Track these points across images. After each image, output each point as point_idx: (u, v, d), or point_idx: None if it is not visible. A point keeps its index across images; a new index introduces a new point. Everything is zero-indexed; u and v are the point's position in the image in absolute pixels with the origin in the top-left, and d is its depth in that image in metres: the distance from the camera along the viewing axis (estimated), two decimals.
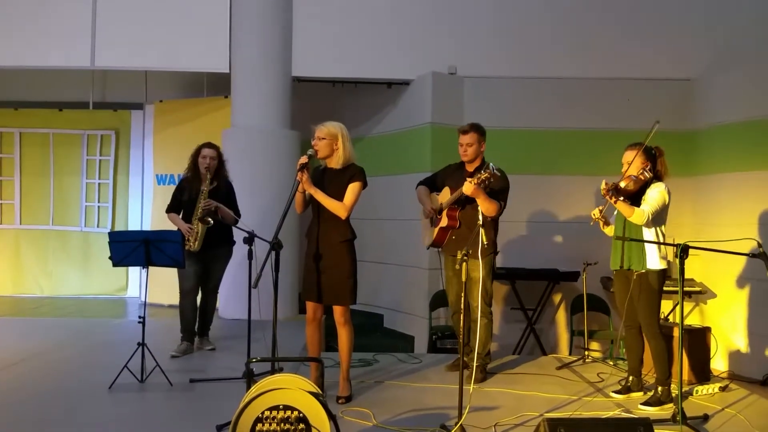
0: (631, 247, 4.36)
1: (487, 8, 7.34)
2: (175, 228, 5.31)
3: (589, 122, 7.08)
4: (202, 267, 5.44)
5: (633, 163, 4.36)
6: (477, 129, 4.85)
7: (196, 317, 5.55)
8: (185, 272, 5.30)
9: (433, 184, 5.18)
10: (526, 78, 7.16)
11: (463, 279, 3.72)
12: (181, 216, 5.43)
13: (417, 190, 5.21)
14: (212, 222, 5.19)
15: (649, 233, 4.31)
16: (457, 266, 3.64)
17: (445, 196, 4.95)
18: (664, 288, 4.41)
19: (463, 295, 3.87)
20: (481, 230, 4.13)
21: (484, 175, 4.34)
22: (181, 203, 5.45)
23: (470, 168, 4.90)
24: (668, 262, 4.34)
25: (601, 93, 7.09)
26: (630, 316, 4.52)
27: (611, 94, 7.08)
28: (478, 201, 4.48)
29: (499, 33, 7.30)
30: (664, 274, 4.33)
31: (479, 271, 4.70)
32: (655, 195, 4.30)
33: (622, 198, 4.18)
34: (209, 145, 5.50)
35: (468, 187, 4.43)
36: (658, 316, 4.38)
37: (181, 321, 5.48)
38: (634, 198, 4.32)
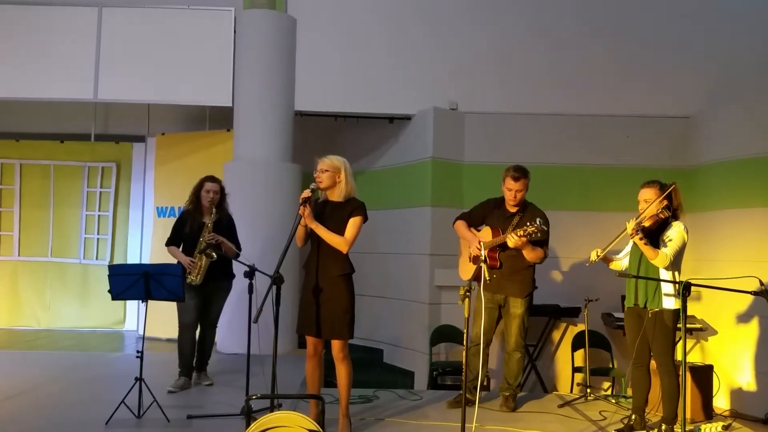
0: (647, 285, 4.33)
1: (488, 45, 7.43)
2: (174, 261, 5.29)
3: (589, 158, 7.13)
4: (202, 300, 5.40)
5: (652, 202, 4.34)
6: (526, 175, 4.89)
7: (194, 352, 5.49)
8: (185, 306, 5.25)
9: (472, 219, 5.17)
10: (526, 114, 7.23)
11: (466, 314, 3.71)
12: (180, 249, 5.42)
13: (456, 225, 5.17)
14: (216, 256, 5.16)
15: (666, 274, 4.29)
16: (460, 302, 3.63)
17: (486, 235, 4.95)
18: None
19: (466, 331, 3.84)
20: (483, 266, 4.15)
21: (530, 228, 4.45)
22: (181, 236, 5.43)
23: (513, 209, 4.95)
24: None
25: (601, 130, 7.15)
26: (640, 354, 4.47)
27: (611, 130, 7.14)
28: (522, 251, 4.65)
29: (499, 70, 7.39)
30: (678, 313, 4.29)
31: (520, 308, 4.95)
32: (674, 235, 4.29)
33: (647, 240, 4.18)
34: (212, 178, 5.51)
35: (512, 241, 4.61)
36: (673, 354, 4.35)
37: (179, 356, 5.41)
38: (651, 236, 4.29)
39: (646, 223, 4.23)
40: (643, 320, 4.37)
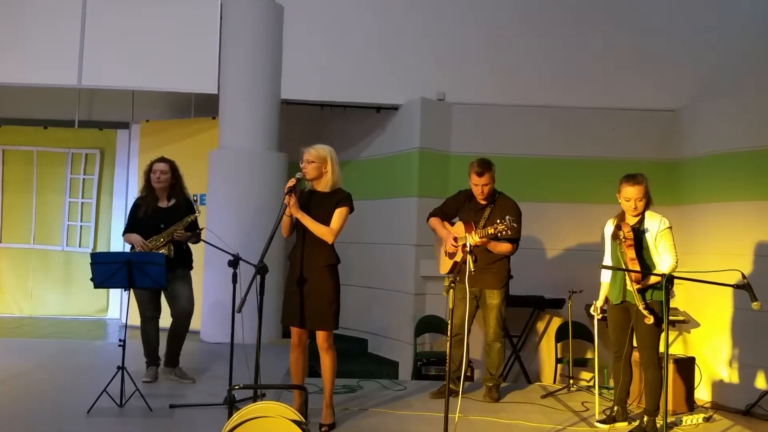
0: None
1: (477, 36, 7.41)
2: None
3: (575, 150, 7.14)
4: (163, 291, 5.10)
5: (643, 200, 4.30)
6: (490, 168, 4.85)
7: (158, 341, 5.23)
8: (142, 299, 5.07)
9: (444, 213, 5.17)
10: (513, 106, 7.23)
11: (450, 306, 3.72)
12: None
13: (430, 222, 5.17)
14: (173, 255, 4.98)
15: (664, 265, 4.26)
16: (444, 293, 3.63)
17: (459, 229, 4.94)
18: None
19: (450, 322, 3.85)
20: (468, 257, 4.15)
21: (500, 227, 4.36)
22: (136, 223, 5.10)
23: (483, 202, 4.95)
24: None
25: (588, 122, 7.16)
26: (621, 347, 4.49)
27: (597, 123, 7.16)
28: (488, 246, 4.64)
29: (487, 61, 7.37)
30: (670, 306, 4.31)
31: (496, 299, 4.95)
32: (667, 240, 4.27)
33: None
34: (161, 159, 5.21)
35: (474, 241, 4.56)
36: (658, 346, 4.36)
37: (144, 345, 5.21)
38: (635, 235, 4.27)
39: (634, 266, 4.20)
40: (629, 314, 4.38)
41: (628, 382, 4.58)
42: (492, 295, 4.96)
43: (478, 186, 4.86)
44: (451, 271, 4.99)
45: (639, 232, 4.30)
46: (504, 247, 4.81)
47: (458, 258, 4.87)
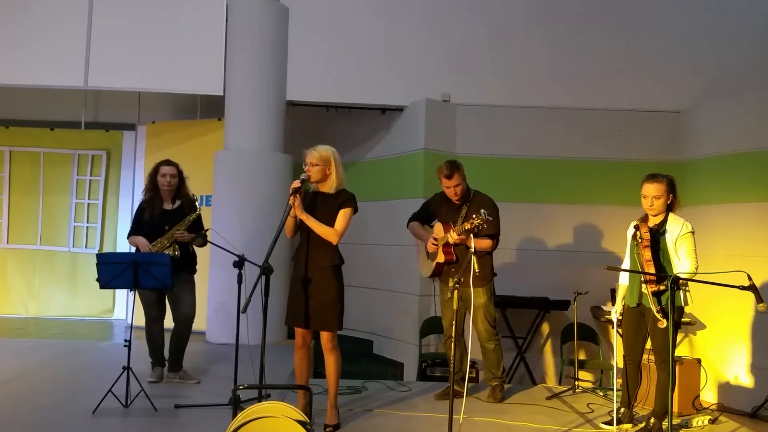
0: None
1: (481, 37, 7.41)
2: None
3: (580, 152, 7.13)
4: (167, 294, 5.15)
5: (660, 199, 4.27)
6: (458, 168, 4.85)
7: (162, 342, 5.26)
8: (147, 299, 5.09)
9: (423, 217, 5.18)
10: (518, 107, 7.22)
11: (455, 307, 3.72)
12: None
13: (410, 227, 5.19)
14: (179, 254, 4.98)
15: (684, 266, 4.22)
16: (449, 295, 3.64)
17: (439, 231, 4.95)
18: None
19: (454, 322, 3.86)
20: (473, 258, 4.15)
21: (476, 221, 4.39)
22: (142, 226, 5.10)
23: (458, 202, 4.95)
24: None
25: (593, 123, 7.15)
26: (634, 350, 4.47)
27: (602, 124, 7.14)
28: (468, 243, 4.58)
29: (492, 62, 7.37)
30: (682, 310, 4.29)
31: (481, 297, 4.89)
32: (688, 244, 4.23)
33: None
34: (168, 162, 5.23)
35: (453, 239, 4.61)
36: (674, 349, 4.33)
37: (149, 346, 5.23)
38: (653, 238, 4.23)
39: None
40: (644, 318, 4.35)
41: (636, 387, 4.56)
42: (476, 294, 4.83)
43: (450, 188, 4.87)
44: (434, 274, 5.00)
45: (657, 234, 4.28)
46: (484, 244, 4.77)
47: (440, 259, 4.88)
